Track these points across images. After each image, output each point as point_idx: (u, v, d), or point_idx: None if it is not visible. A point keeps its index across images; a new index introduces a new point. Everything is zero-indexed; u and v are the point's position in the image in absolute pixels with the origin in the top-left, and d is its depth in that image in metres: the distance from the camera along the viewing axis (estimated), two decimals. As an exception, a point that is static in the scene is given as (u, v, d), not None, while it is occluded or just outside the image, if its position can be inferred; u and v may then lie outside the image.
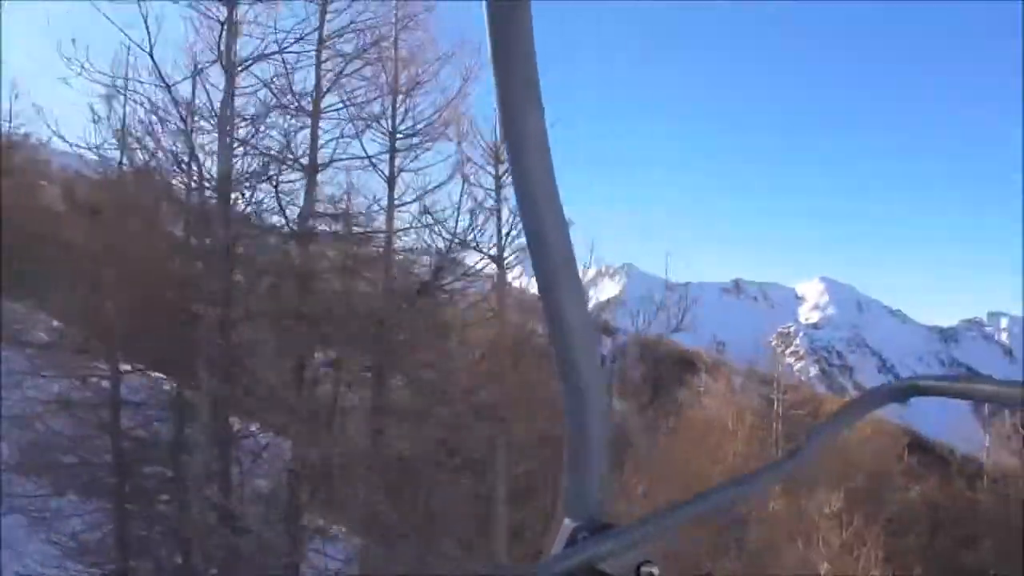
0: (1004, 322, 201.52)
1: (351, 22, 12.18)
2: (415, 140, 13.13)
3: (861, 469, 17.13)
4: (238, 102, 11.67)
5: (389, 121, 12.90)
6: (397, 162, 13.09)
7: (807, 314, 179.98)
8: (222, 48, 11.39)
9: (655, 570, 0.77)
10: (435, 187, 13.19)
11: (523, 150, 0.66)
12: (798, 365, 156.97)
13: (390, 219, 12.87)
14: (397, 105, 12.92)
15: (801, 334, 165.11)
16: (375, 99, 12.73)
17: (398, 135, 12.99)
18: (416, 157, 13.31)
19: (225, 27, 11.39)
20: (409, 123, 13.09)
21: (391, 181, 13.04)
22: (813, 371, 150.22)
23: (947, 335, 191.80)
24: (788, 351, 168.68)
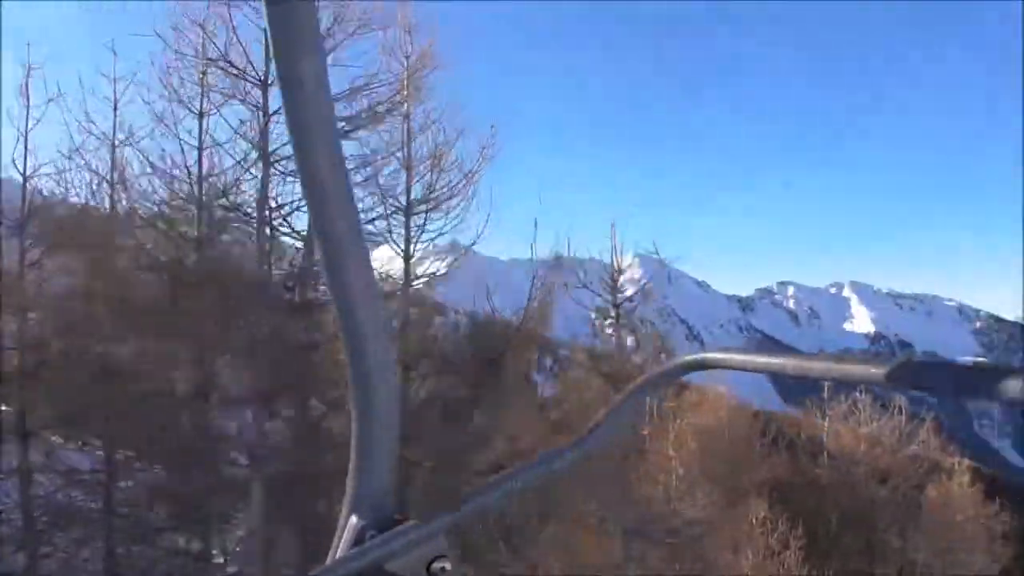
0: (791, 291, 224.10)
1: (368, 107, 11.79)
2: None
3: (727, 458, 17.07)
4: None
5: (404, 197, 12.61)
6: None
7: (623, 286, 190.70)
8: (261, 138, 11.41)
9: (447, 565, 0.76)
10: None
11: (299, 95, 0.62)
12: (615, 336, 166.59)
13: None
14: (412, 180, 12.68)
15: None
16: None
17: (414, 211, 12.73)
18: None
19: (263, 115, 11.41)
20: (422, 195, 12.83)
21: (407, 257, 12.82)
22: (630, 341, 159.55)
23: (745, 304, 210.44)
24: (607, 323, 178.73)
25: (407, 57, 12.38)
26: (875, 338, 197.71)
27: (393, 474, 0.78)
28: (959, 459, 19.58)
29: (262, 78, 11.48)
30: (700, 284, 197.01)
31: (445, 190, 12.75)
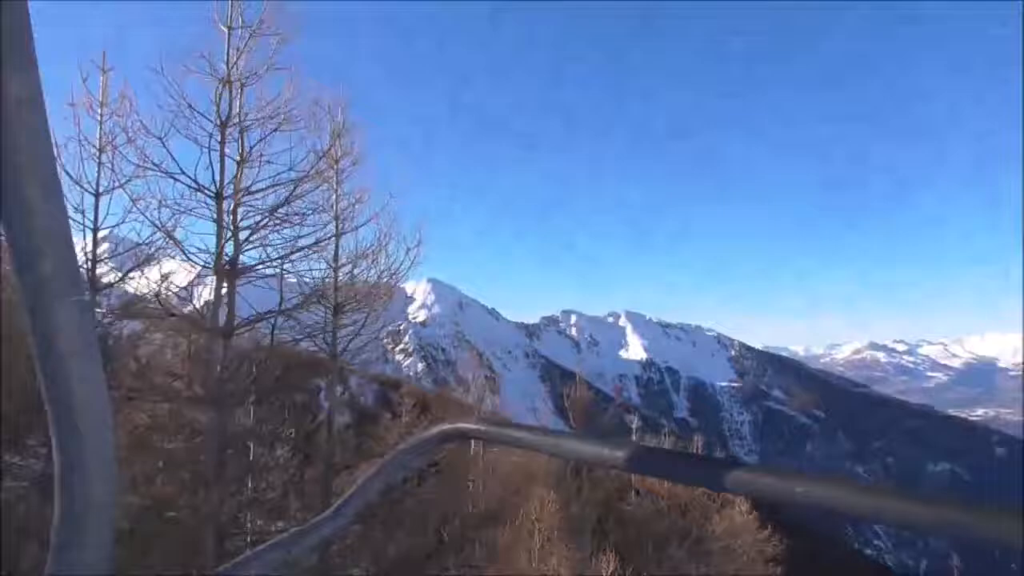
0: (573, 319, 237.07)
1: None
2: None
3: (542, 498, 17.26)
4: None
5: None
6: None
7: (415, 312, 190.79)
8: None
9: None
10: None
11: (9, 112, 0.54)
12: (407, 361, 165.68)
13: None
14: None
15: (410, 332, 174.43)
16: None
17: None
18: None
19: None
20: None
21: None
22: (420, 366, 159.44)
23: (531, 331, 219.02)
24: (398, 348, 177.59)
25: (337, 161, 12.30)
26: (647, 364, 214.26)
27: (109, 547, 0.63)
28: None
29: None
30: (491, 311, 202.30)
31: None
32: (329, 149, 11.96)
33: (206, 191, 10.29)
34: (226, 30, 10.44)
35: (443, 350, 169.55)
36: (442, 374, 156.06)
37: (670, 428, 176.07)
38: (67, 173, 11.09)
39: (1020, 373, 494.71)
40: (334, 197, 12.47)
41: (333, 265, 12.70)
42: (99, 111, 11.29)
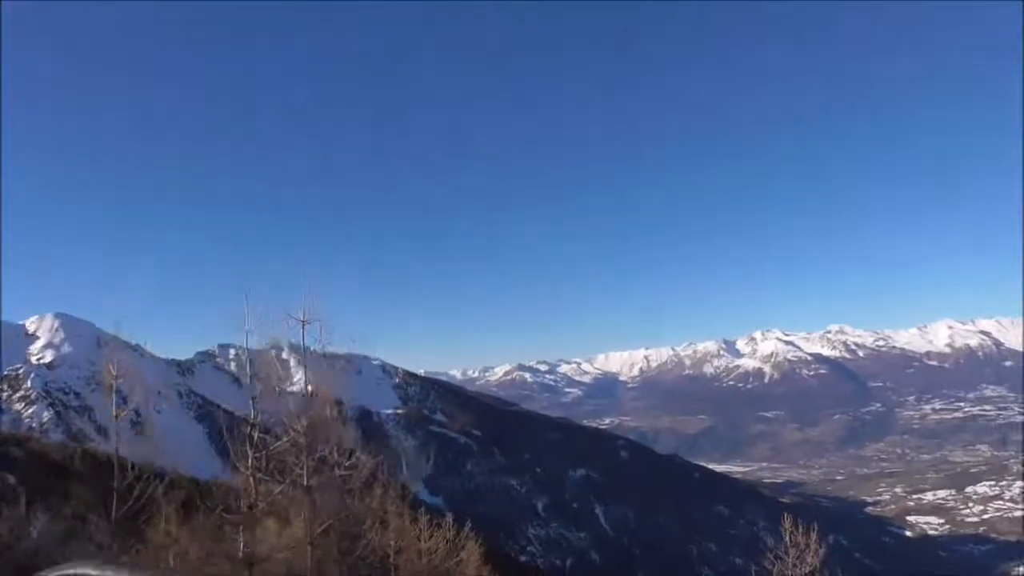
0: (232, 352, 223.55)
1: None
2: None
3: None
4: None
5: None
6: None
7: (40, 353, 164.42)
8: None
9: None
10: None
11: None
12: (30, 410, 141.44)
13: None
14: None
15: (32, 375, 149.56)
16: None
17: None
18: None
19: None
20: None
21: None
22: (47, 415, 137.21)
23: (184, 367, 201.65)
24: (17, 395, 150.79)
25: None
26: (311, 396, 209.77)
27: None
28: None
29: None
30: (135, 348, 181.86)
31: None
32: None
33: None
34: None
35: (77, 395, 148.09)
36: (76, 423, 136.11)
37: (338, 460, 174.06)
38: None
39: (637, 385, 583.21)
40: None
41: None
42: None
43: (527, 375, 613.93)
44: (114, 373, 14.73)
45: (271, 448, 13.39)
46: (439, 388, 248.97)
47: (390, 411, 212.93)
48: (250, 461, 13.23)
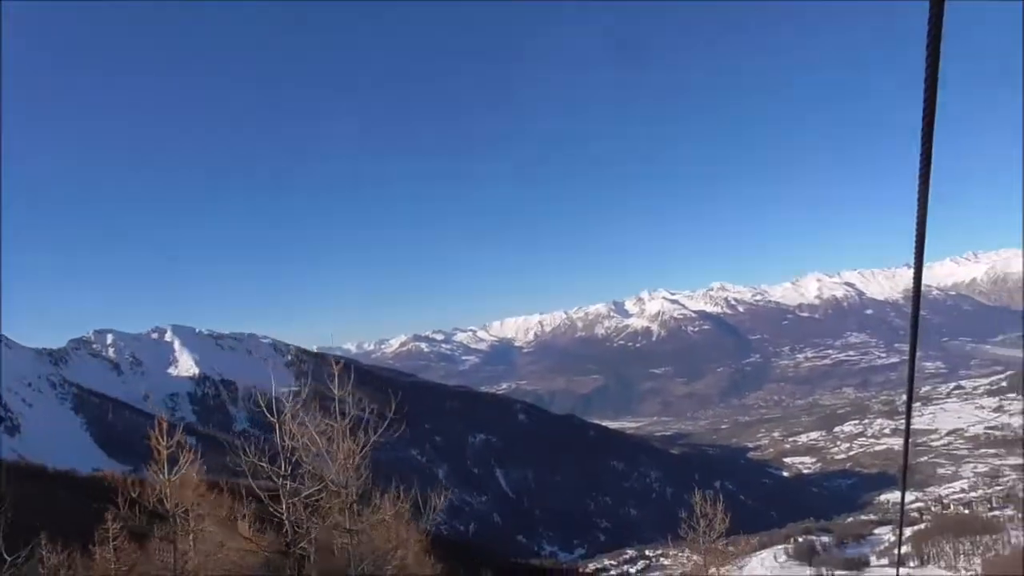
0: (110, 339, 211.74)
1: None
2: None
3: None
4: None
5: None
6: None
7: None
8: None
9: None
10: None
11: None
12: None
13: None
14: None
15: None
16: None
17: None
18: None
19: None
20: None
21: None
22: None
23: (57, 357, 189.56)
24: None
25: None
26: (200, 380, 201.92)
27: None
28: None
29: None
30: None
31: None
32: None
33: None
34: None
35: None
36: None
37: (230, 442, 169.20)
38: None
39: (532, 349, 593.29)
40: None
41: None
42: None
43: (423, 345, 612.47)
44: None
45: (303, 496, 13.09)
46: (334, 363, 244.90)
47: (284, 390, 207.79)
48: (286, 513, 12.92)
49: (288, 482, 12.39)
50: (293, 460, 12.51)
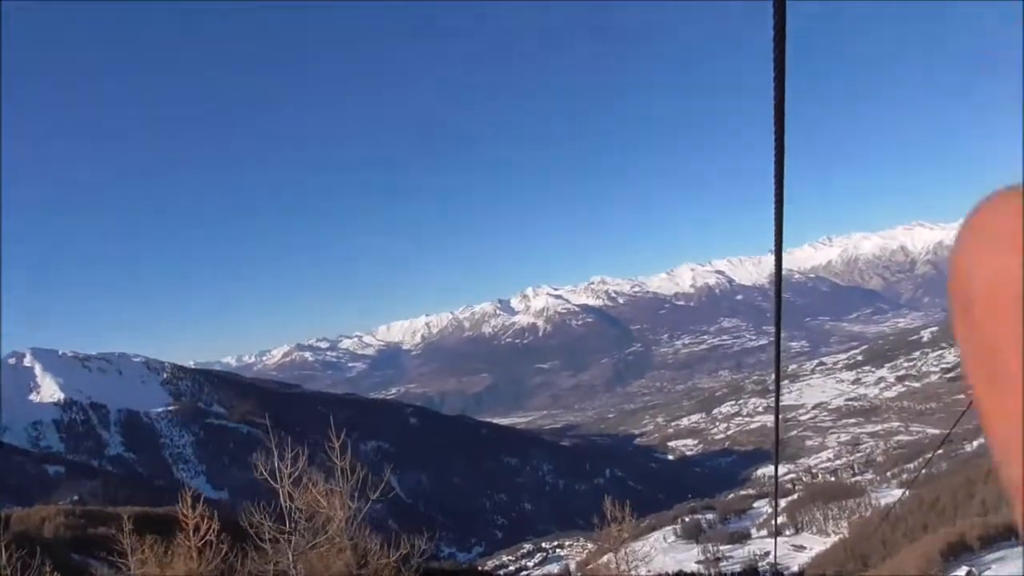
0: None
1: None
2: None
3: None
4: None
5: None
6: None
7: None
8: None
9: None
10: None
11: None
12: None
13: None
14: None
15: None
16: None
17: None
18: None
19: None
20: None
21: None
22: None
23: None
24: None
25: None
26: (67, 405, 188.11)
27: None
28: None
29: None
30: None
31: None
32: None
33: None
34: None
35: None
36: None
37: (103, 468, 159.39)
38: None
39: (420, 352, 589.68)
40: None
41: None
42: None
43: (307, 354, 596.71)
44: None
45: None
46: (213, 379, 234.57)
47: (160, 409, 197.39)
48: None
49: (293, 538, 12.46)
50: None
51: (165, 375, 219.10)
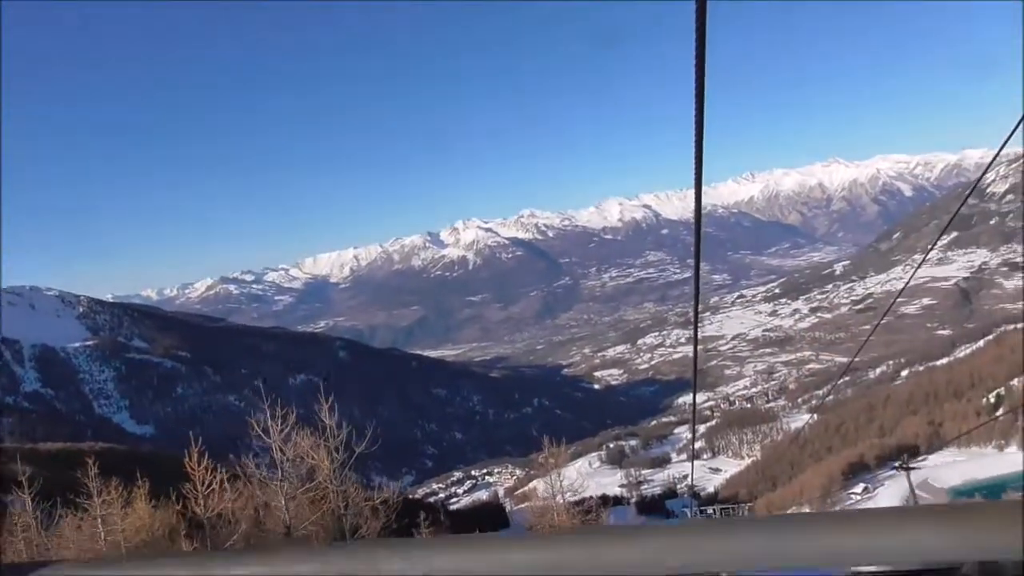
0: None
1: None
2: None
3: None
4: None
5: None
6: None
7: None
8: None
9: None
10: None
11: None
12: None
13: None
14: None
15: None
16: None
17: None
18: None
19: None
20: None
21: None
22: None
23: None
24: None
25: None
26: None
27: None
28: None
29: None
30: None
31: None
32: None
33: None
34: None
35: None
36: None
37: (20, 405, 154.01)
38: None
39: (349, 285, 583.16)
40: None
41: None
42: None
43: (232, 287, 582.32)
44: None
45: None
46: (133, 312, 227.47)
47: (78, 344, 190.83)
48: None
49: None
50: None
51: (81, 309, 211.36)
